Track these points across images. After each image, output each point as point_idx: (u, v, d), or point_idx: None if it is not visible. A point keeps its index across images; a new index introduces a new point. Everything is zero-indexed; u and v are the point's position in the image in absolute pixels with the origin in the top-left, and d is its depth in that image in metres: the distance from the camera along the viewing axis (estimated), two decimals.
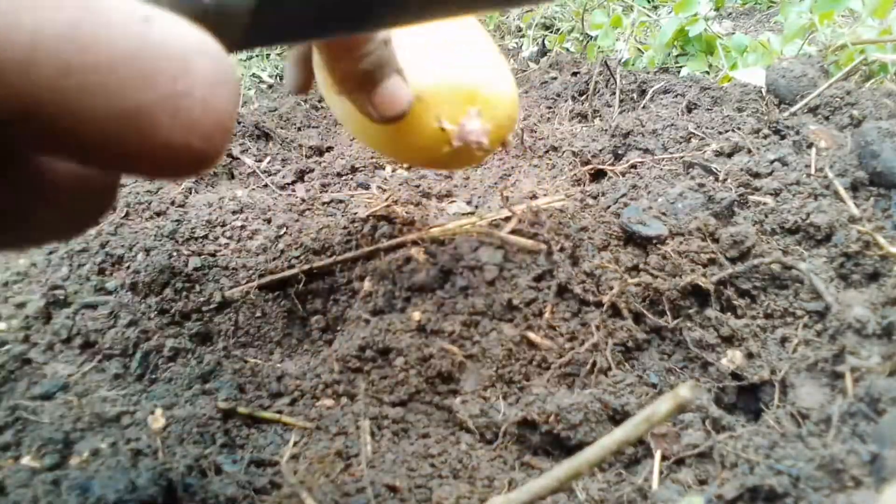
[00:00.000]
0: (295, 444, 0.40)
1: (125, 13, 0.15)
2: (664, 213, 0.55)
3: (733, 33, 1.24)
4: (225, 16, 0.21)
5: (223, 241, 0.70)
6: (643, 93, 1.02)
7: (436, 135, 0.40)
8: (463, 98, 0.40)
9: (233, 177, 0.96)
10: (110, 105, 0.14)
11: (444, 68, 0.40)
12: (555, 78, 1.23)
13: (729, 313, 0.49)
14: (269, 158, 1.01)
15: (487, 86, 0.41)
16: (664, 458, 0.39)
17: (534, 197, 0.67)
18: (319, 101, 1.20)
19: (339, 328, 0.54)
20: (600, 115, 1.01)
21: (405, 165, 0.75)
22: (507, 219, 0.58)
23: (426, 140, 0.41)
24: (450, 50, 0.41)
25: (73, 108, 0.14)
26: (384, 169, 0.86)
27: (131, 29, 0.15)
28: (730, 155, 0.67)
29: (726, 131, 0.74)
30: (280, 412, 0.44)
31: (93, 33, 0.14)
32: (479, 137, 0.39)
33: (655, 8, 1.61)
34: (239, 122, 1.12)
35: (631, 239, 0.53)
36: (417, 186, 0.78)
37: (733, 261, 0.51)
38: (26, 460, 0.39)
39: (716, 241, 0.52)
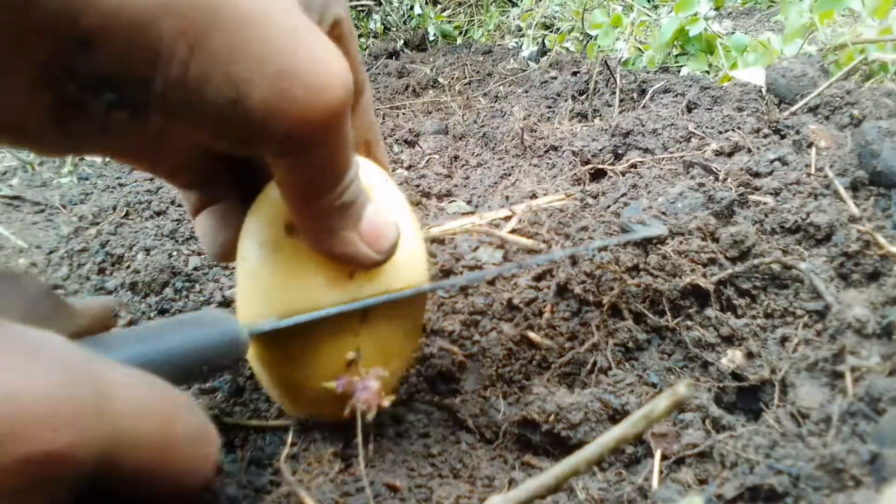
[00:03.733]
0: (294, 443, 0.40)
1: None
2: (664, 213, 0.55)
3: (733, 33, 1.24)
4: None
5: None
6: (643, 92, 1.02)
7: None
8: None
9: None
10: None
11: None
12: (555, 77, 1.23)
13: (729, 313, 0.49)
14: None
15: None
16: (664, 457, 0.39)
17: (534, 196, 0.67)
18: None
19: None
20: (600, 115, 1.01)
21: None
22: (507, 218, 0.58)
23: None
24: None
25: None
26: None
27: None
28: (730, 154, 0.67)
29: (726, 131, 0.74)
30: (266, 417, 0.43)
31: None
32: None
33: (655, 7, 1.61)
34: None
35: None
36: (417, 186, 0.79)
37: (733, 260, 0.51)
38: None
39: (716, 240, 0.52)
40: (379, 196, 0.34)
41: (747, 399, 0.45)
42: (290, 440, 0.39)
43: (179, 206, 0.83)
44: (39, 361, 0.21)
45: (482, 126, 1.02)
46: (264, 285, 0.33)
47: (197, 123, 0.25)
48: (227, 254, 0.36)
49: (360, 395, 0.33)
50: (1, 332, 0.21)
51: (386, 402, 0.34)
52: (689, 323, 0.48)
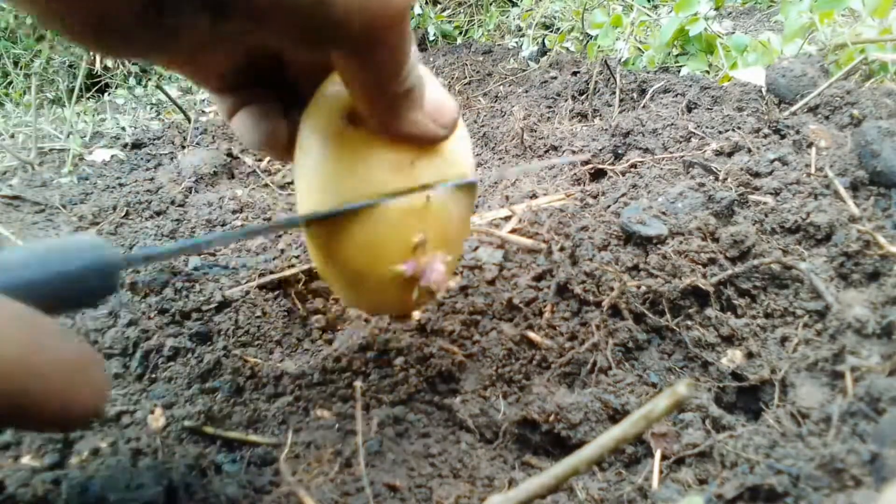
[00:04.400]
0: (294, 443, 0.40)
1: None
2: (664, 213, 0.55)
3: (733, 33, 1.24)
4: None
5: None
6: (643, 92, 1.02)
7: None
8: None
9: (233, 176, 0.96)
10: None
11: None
12: (555, 77, 1.23)
13: (729, 313, 0.49)
14: (268, 158, 1.01)
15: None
16: (664, 457, 0.39)
17: (534, 196, 0.67)
18: None
19: (339, 328, 0.54)
20: (600, 115, 1.01)
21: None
22: (507, 218, 0.58)
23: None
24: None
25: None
26: None
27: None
28: (730, 154, 0.67)
29: (726, 131, 0.74)
30: (248, 431, 0.43)
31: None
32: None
33: (655, 7, 1.61)
34: None
35: (631, 238, 0.53)
36: None
37: (733, 260, 0.51)
38: (26, 459, 0.39)
39: (716, 240, 0.52)
40: (431, 80, 0.35)
41: (747, 399, 0.45)
42: (289, 440, 0.39)
43: (180, 206, 0.83)
44: None
45: (482, 126, 1.02)
46: (330, 175, 0.34)
47: (279, 27, 0.26)
48: (270, 142, 0.38)
49: (429, 276, 0.34)
50: None
51: (453, 283, 0.34)
52: (689, 323, 0.48)
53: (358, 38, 0.27)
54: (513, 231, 0.56)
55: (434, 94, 0.34)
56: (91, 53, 2.21)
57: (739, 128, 0.74)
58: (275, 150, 0.38)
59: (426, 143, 0.34)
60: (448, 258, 0.36)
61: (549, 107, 1.09)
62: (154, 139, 1.20)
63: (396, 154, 0.34)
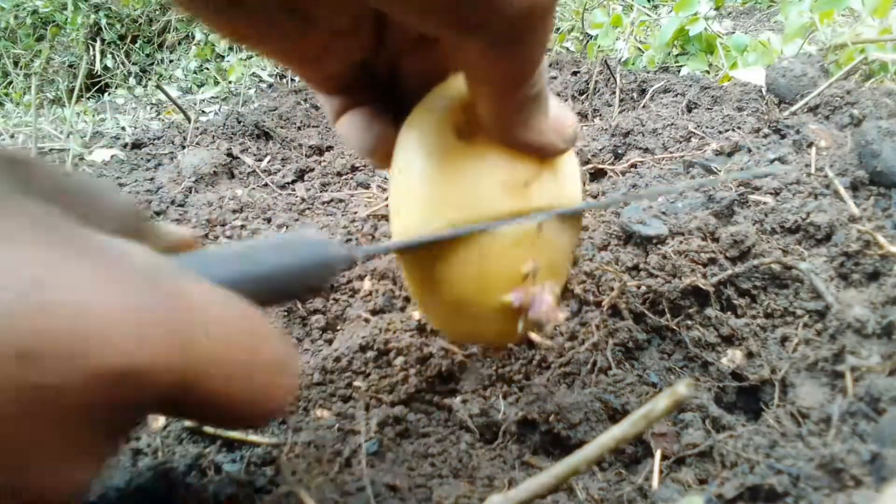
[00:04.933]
0: (294, 443, 0.40)
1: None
2: (664, 213, 0.55)
3: (733, 32, 1.24)
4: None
5: (223, 240, 0.70)
6: (643, 92, 1.02)
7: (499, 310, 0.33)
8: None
9: (233, 176, 0.96)
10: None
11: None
12: (555, 77, 1.22)
13: (729, 313, 0.49)
14: (269, 158, 1.01)
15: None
16: (664, 457, 0.39)
17: None
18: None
19: (339, 327, 0.54)
20: (600, 115, 1.01)
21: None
22: None
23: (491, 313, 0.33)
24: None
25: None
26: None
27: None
28: (730, 154, 0.67)
29: (726, 130, 0.74)
30: (248, 430, 0.43)
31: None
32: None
33: (655, 7, 1.61)
34: (239, 122, 1.12)
35: (631, 238, 0.53)
36: None
37: (733, 260, 0.51)
38: None
39: (716, 240, 0.52)
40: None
41: (747, 399, 0.45)
42: (289, 440, 0.39)
43: (180, 206, 0.83)
44: (119, 272, 0.20)
45: None
46: (436, 192, 0.32)
47: (429, 10, 0.25)
48: (378, 147, 0.36)
49: (538, 307, 0.32)
50: (82, 241, 0.20)
51: (562, 316, 0.32)
52: (689, 323, 0.48)
53: (507, 27, 0.25)
54: None
55: (554, 103, 0.32)
56: (91, 53, 2.21)
57: (739, 128, 0.74)
58: (380, 157, 0.36)
59: (547, 156, 0.32)
60: (556, 289, 0.33)
61: None
62: (154, 139, 1.20)
63: (511, 173, 0.31)
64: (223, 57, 2.12)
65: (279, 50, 0.32)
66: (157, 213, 0.82)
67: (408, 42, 0.34)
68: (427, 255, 0.33)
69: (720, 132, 0.75)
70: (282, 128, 1.10)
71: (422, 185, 0.32)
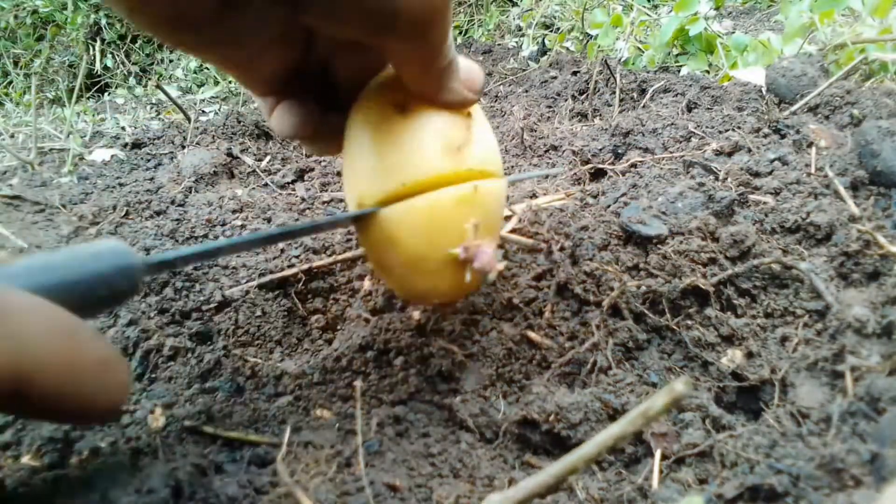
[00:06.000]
0: (294, 443, 0.40)
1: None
2: (664, 213, 0.55)
3: (733, 32, 1.23)
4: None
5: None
6: (643, 92, 1.02)
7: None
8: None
9: (232, 176, 0.96)
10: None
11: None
12: (555, 77, 1.22)
13: (729, 312, 0.49)
14: (268, 157, 1.01)
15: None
16: (664, 457, 0.39)
17: (534, 196, 0.67)
18: None
19: (339, 327, 0.54)
20: (600, 115, 1.01)
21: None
22: (507, 218, 0.58)
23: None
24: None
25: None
26: None
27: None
28: (730, 154, 0.67)
29: (726, 130, 0.74)
30: (248, 430, 0.43)
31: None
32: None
33: (655, 7, 1.61)
34: (239, 122, 1.12)
35: (631, 238, 0.53)
36: None
37: (733, 260, 0.51)
38: (26, 459, 0.39)
39: (716, 240, 0.52)
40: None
41: (747, 399, 0.45)
42: (286, 439, 0.39)
43: (180, 205, 0.83)
44: None
45: None
46: (384, 160, 0.37)
47: (349, 19, 0.31)
48: (301, 127, 0.41)
49: (481, 258, 0.37)
50: None
51: (500, 266, 0.37)
52: (689, 322, 0.48)
53: (411, 27, 0.31)
54: (513, 231, 0.56)
55: (464, 65, 0.38)
56: (91, 53, 2.21)
57: (739, 127, 0.74)
58: (305, 136, 0.42)
59: (464, 108, 0.38)
60: (494, 244, 0.39)
61: (550, 106, 1.09)
62: (154, 139, 1.20)
63: (447, 138, 0.37)
64: None
65: (217, 57, 0.36)
66: (158, 213, 0.82)
67: (337, 46, 0.39)
68: (381, 221, 0.38)
69: (720, 132, 0.75)
70: None
71: (371, 155, 0.37)
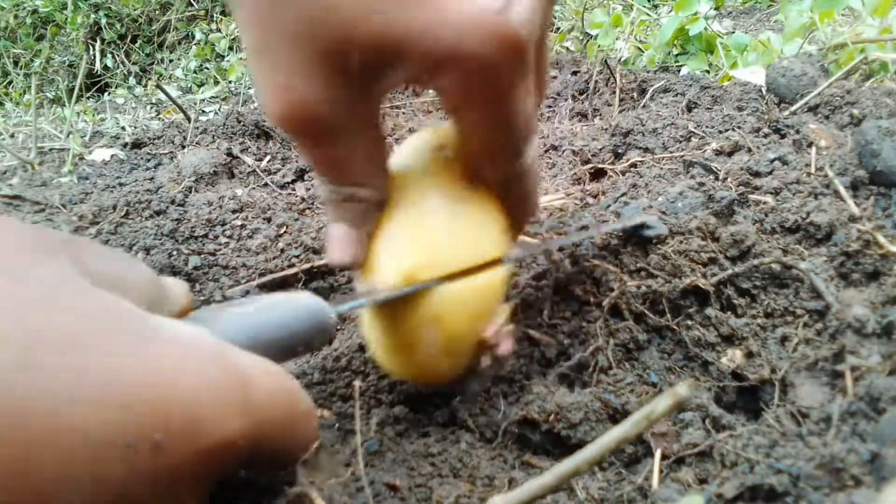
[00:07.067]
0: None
1: None
2: (664, 213, 0.55)
3: (733, 32, 1.23)
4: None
5: (223, 240, 0.70)
6: (643, 92, 1.02)
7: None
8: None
9: (232, 176, 0.96)
10: None
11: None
12: (555, 77, 1.22)
13: (729, 312, 0.49)
14: (268, 157, 1.01)
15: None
16: (664, 457, 0.39)
17: None
18: None
19: (339, 327, 0.54)
20: (600, 114, 1.01)
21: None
22: None
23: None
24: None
25: None
26: None
27: None
28: (730, 154, 0.67)
29: (726, 130, 0.74)
30: None
31: None
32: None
33: (655, 7, 1.61)
34: (239, 121, 1.12)
35: (631, 238, 0.53)
36: None
37: (733, 260, 0.51)
38: None
39: (716, 240, 0.52)
40: None
41: (747, 399, 0.45)
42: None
43: (180, 205, 0.83)
44: (194, 354, 0.23)
45: None
46: (455, 237, 0.36)
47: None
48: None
49: (505, 344, 0.37)
50: (140, 323, 0.23)
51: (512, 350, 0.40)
52: (689, 322, 0.48)
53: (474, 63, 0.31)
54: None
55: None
56: (90, 53, 2.21)
57: (739, 127, 0.74)
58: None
59: (525, 218, 0.41)
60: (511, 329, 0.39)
61: (549, 106, 1.09)
62: (154, 139, 1.20)
63: (502, 224, 0.38)
64: (223, 57, 2.12)
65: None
66: (158, 213, 0.82)
67: None
68: (433, 297, 0.35)
69: (720, 132, 0.75)
70: None
71: (442, 225, 0.36)
